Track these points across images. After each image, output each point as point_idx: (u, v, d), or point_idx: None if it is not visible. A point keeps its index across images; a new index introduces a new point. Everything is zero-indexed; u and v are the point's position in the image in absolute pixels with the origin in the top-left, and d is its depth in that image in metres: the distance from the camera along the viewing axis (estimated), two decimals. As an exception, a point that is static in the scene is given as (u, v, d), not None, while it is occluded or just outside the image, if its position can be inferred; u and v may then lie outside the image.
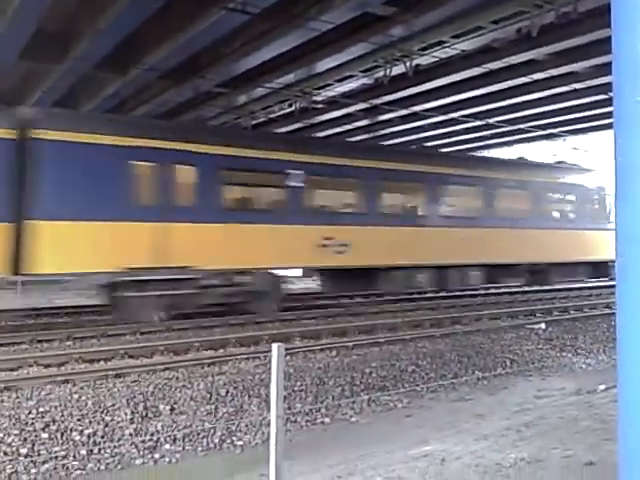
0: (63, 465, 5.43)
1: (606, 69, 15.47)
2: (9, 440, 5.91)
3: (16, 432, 6.12)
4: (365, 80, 17.84)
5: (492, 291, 20.66)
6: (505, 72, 16.65)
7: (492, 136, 26.09)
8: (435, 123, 23.19)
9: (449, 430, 6.32)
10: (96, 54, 14.64)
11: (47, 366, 9.23)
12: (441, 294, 19.39)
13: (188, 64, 15.83)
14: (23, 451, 5.68)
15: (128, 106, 19.25)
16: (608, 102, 18.49)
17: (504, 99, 19.55)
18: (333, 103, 20.16)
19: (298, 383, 8.20)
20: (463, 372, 9.09)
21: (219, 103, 19.58)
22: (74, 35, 13.27)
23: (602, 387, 7.89)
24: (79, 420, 6.56)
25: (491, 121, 22.46)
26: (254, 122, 22.02)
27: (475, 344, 11.25)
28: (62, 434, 6.14)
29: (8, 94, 17.03)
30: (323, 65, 16.11)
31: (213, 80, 16.89)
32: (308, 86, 17.95)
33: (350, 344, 10.95)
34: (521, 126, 23.29)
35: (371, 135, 25.30)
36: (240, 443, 6.12)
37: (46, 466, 5.40)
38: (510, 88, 18.40)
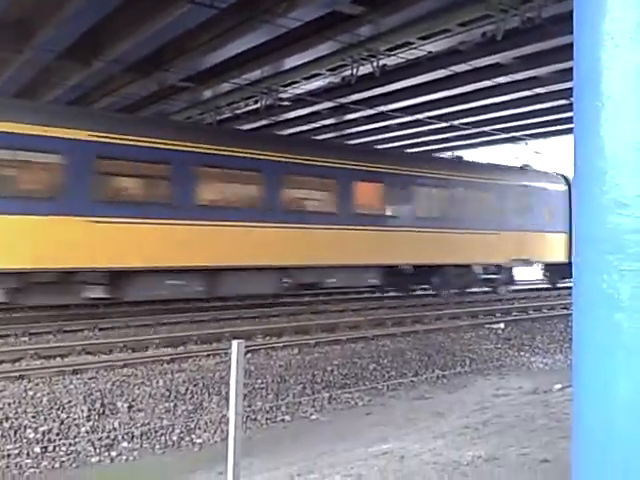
0: (16, 464, 5.31)
1: (568, 74, 15.72)
2: (-40, 437, 5.75)
3: (-33, 429, 5.96)
4: (332, 79, 17.84)
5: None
6: (470, 75, 16.84)
7: (456, 138, 26.38)
8: (401, 124, 23.35)
9: (409, 428, 6.37)
10: (59, 44, 14.31)
11: (1, 362, 9.00)
12: (403, 294, 19.53)
13: (153, 57, 15.59)
14: (-26, 449, 5.53)
15: (91, 98, 18.90)
16: (569, 107, 18.86)
17: (469, 101, 19.79)
18: (299, 101, 20.11)
19: (259, 381, 8.17)
20: (423, 370, 9.19)
21: (184, 97, 19.35)
22: (36, 24, 12.97)
23: (558, 386, 8.05)
24: (34, 417, 6.42)
25: (455, 123, 22.71)
26: (219, 118, 21.83)
27: (435, 343, 11.38)
28: (15, 432, 5.99)
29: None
30: (290, 62, 16.05)
31: (178, 74, 16.67)
32: (274, 83, 17.86)
33: (312, 342, 10.96)
34: (485, 129, 23.60)
35: (337, 134, 25.35)
36: (199, 441, 6.06)
37: (-2, 464, 5.26)
38: (475, 91, 18.63)
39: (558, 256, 21.05)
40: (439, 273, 18.34)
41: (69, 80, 16.53)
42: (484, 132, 24.32)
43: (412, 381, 8.43)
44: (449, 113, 21.32)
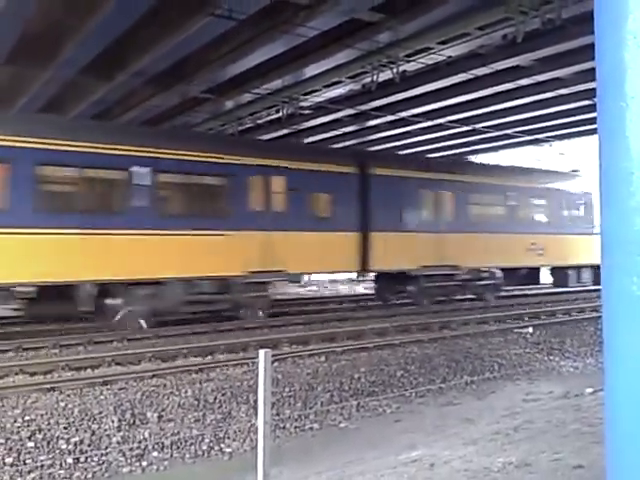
0: (49, 474, 5.37)
1: (591, 75, 15.57)
2: (-6, 449, 5.84)
3: (1, 441, 6.05)
4: (352, 86, 17.90)
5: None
6: (491, 78, 16.77)
7: (479, 141, 26.25)
8: (422, 129, 23.31)
9: (438, 435, 6.32)
10: (82, 60, 14.60)
11: (33, 374, 9.14)
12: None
13: (175, 70, 15.81)
14: (9, 460, 5.61)
15: (114, 112, 19.19)
16: (593, 108, 18.68)
17: (490, 105, 19.69)
18: (320, 109, 20.20)
19: (287, 389, 8.18)
20: (452, 376, 9.11)
21: (206, 109, 19.58)
22: (60, 40, 13.22)
23: (589, 390, 7.93)
24: (65, 428, 6.49)
25: (477, 127, 22.61)
26: (240, 128, 22.01)
27: (463, 348, 11.28)
28: (48, 443, 6.07)
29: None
30: (310, 71, 16.15)
31: (200, 86, 16.88)
32: (295, 92, 17.98)
33: (339, 349, 10.94)
34: (507, 131, 23.46)
35: (359, 141, 25.39)
36: (228, 450, 6.08)
37: (32, 475, 5.33)
38: (496, 94, 18.54)
39: None
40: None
41: (92, 95, 16.81)
42: (507, 135, 24.17)
43: (440, 387, 8.37)
44: (471, 117, 21.24)
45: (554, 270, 22.21)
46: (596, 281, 20.99)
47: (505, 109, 20.36)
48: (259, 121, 21.69)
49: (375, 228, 16.69)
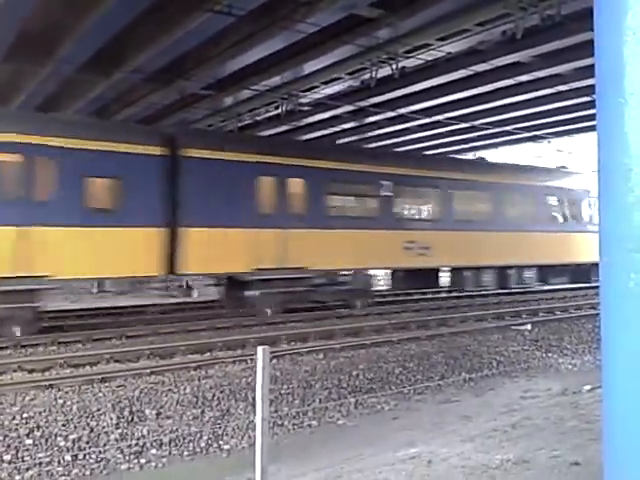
0: (47, 471, 5.38)
1: (590, 71, 15.53)
2: (-8, 446, 5.84)
3: (0, 438, 6.05)
4: (351, 82, 17.85)
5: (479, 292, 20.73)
6: (490, 74, 16.73)
7: (478, 138, 26.22)
8: (421, 125, 23.27)
9: (436, 432, 6.33)
10: (80, 57, 14.53)
11: (31, 371, 9.14)
12: (428, 295, 19.47)
13: (174, 66, 15.76)
14: (7, 457, 5.61)
15: (113, 109, 19.15)
16: (592, 104, 18.64)
17: (489, 101, 19.65)
18: (319, 105, 20.15)
19: (285, 386, 8.18)
20: (450, 374, 9.11)
21: (205, 105, 19.51)
22: (58, 37, 13.17)
23: (587, 387, 7.94)
24: (64, 425, 6.49)
25: (476, 123, 22.56)
26: (240, 124, 21.97)
27: (461, 345, 11.29)
28: (46, 440, 6.07)
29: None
30: (309, 67, 16.11)
31: (199, 82, 16.83)
32: (294, 88, 17.94)
33: (337, 346, 10.94)
34: (506, 128, 23.41)
35: (358, 137, 25.34)
36: (227, 447, 6.09)
37: (30, 473, 5.34)
38: (495, 90, 18.49)
39: None
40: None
41: (91, 92, 16.76)
42: (506, 131, 24.13)
43: (439, 384, 8.37)
44: (470, 113, 21.19)
45: (453, 271, 19.68)
46: (502, 283, 19.65)
47: (504, 105, 20.31)
48: (258, 118, 21.66)
49: (187, 223, 13.66)
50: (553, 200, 21.57)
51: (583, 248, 19.84)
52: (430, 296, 19.60)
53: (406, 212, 18.49)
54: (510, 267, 19.62)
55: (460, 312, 15.63)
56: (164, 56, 14.80)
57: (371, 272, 18.06)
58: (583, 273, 20.93)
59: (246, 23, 12.81)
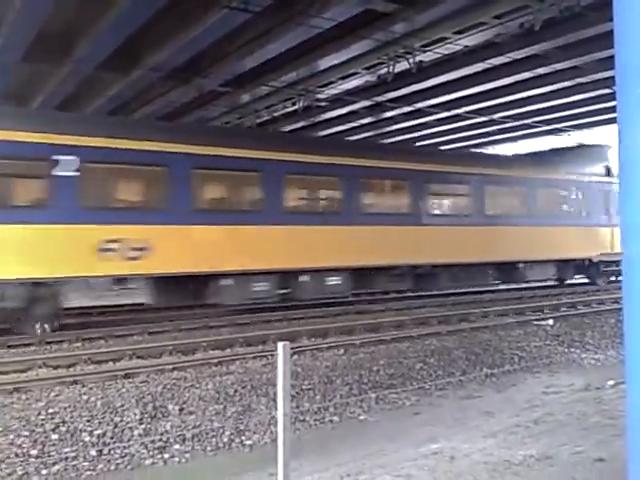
0: (73, 466, 5.46)
1: (610, 63, 15.30)
2: (19, 442, 5.93)
3: (26, 434, 6.14)
4: (368, 77, 17.81)
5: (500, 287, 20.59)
6: (508, 67, 16.60)
7: (496, 132, 26.03)
8: (439, 120, 23.15)
9: (458, 427, 6.32)
10: (98, 56, 14.68)
11: (56, 367, 9.26)
12: (449, 290, 19.32)
13: (191, 64, 15.85)
14: (33, 452, 5.70)
15: (132, 107, 19.30)
16: (612, 96, 18.43)
17: (508, 95, 19.50)
18: (337, 101, 20.14)
19: (306, 382, 8.20)
20: (471, 369, 9.08)
21: (223, 102, 19.60)
22: (76, 37, 13.32)
23: (611, 383, 7.86)
24: (88, 421, 6.58)
25: (495, 117, 22.41)
26: (258, 121, 22.03)
27: (482, 341, 11.23)
28: (72, 435, 6.16)
29: (12, 96, 17.11)
30: (326, 63, 16.10)
31: (217, 79, 16.90)
32: (311, 84, 17.94)
33: (357, 342, 10.95)
34: (526, 121, 23.21)
35: (375, 132, 25.28)
36: (249, 442, 6.13)
37: (57, 467, 5.42)
38: (514, 83, 18.35)
39: None
40: None
41: (109, 90, 16.91)
42: (525, 125, 23.92)
43: (460, 380, 8.35)
44: (488, 107, 21.05)
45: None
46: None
47: (523, 99, 20.14)
48: (275, 114, 21.69)
49: None
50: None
51: None
52: (451, 291, 19.47)
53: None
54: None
55: (481, 307, 15.53)
56: (181, 54, 14.89)
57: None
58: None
59: (262, 19, 12.83)
